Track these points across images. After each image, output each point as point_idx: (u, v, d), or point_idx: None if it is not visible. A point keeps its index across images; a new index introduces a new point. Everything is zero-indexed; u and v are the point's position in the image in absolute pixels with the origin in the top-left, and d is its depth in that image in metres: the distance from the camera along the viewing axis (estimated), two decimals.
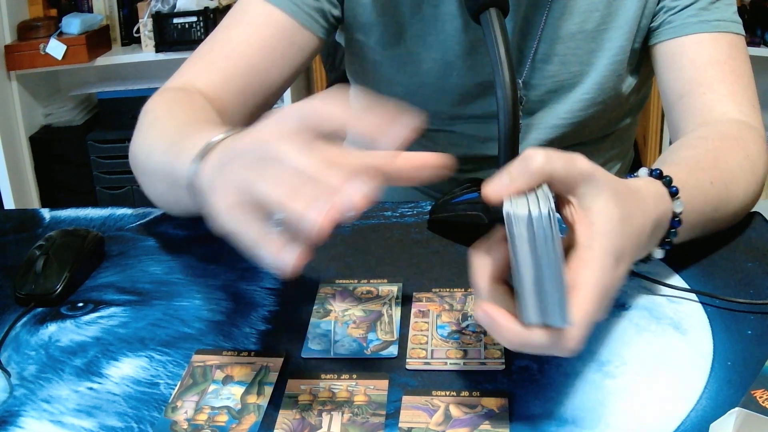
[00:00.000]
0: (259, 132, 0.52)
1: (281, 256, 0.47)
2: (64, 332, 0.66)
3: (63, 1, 2.55)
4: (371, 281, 0.70)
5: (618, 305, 0.65)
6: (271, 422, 0.54)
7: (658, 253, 0.64)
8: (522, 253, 0.48)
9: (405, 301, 0.67)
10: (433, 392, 0.56)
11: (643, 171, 0.65)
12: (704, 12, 0.85)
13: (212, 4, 2.43)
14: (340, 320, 0.65)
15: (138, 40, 2.51)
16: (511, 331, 0.49)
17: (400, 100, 0.58)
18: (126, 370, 0.61)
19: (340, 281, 0.71)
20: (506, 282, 0.51)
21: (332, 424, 0.54)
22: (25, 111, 2.49)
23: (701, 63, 0.84)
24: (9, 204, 2.43)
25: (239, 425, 0.54)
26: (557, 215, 0.49)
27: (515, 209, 0.48)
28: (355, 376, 0.58)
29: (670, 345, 0.61)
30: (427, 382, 0.58)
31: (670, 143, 0.85)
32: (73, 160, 2.58)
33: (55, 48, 2.37)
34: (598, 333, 0.62)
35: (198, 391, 0.57)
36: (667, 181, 0.63)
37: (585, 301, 0.49)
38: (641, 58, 0.93)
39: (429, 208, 0.82)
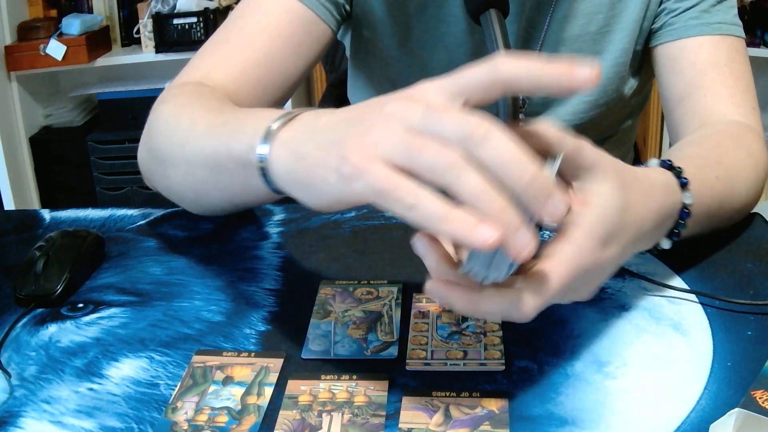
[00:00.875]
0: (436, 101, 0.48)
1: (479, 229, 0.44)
2: (65, 333, 0.66)
3: (63, 2, 2.55)
4: (371, 282, 0.70)
5: (618, 306, 0.65)
6: (271, 423, 0.54)
7: (666, 243, 0.64)
8: None
9: (405, 301, 0.67)
10: (433, 393, 0.56)
11: (653, 161, 0.64)
12: (705, 14, 0.85)
13: (212, 5, 2.43)
14: (340, 321, 0.65)
15: (138, 41, 2.51)
16: (464, 295, 0.49)
17: None
18: (126, 370, 0.61)
19: (341, 282, 0.71)
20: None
21: (332, 424, 0.53)
22: (25, 112, 2.49)
23: (702, 65, 0.84)
24: (9, 205, 2.43)
25: (239, 426, 0.54)
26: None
27: None
28: (355, 377, 0.58)
29: (670, 346, 0.61)
30: (427, 382, 0.57)
31: (670, 145, 0.85)
32: (73, 161, 2.58)
33: (55, 49, 2.37)
34: (598, 333, 0.62)
35: (198, 392, 0.57)
36: (678, 172, 0.63)
37: (554, 270, 0.48)
38: (642, 60, 0.93)
39: None
